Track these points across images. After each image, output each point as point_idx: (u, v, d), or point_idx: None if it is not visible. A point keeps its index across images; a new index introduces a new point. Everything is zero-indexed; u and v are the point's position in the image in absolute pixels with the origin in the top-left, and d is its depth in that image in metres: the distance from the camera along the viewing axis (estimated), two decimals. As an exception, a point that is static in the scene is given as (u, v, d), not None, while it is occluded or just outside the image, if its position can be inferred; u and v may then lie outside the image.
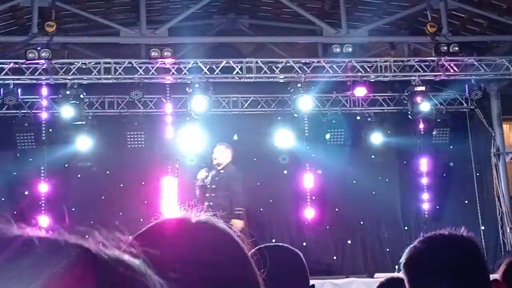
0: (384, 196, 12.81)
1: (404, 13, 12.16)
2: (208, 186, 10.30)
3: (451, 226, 2.17)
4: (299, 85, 11.68)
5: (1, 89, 11.55)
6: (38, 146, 12.04)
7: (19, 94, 11.65)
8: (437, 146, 12.98)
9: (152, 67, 11.46)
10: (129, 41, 11.69)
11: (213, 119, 12.05)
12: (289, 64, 11.75)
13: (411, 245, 2.16)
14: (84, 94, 11.63)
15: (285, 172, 12.89)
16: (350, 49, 11.40)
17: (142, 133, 12.30)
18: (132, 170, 12.26)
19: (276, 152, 12.57)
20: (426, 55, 12.20)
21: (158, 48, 11.17)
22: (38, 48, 10.92)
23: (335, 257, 12.80)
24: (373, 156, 12.86)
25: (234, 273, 1.03)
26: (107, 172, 12.45)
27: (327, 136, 12.73)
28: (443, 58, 11.50)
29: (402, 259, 2.14)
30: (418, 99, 12.10)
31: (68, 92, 11.41)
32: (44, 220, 11.52)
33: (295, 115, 12.16)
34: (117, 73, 11.44)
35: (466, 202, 13.18)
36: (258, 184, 12.55)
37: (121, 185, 12.34)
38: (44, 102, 12.17)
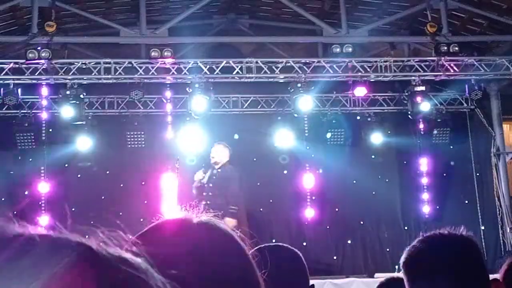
0: (384, 196, 12.81)
1: (404, 13, 12.16)
2: (206, 185, 10.33)
3: (451, 226, 2.17)
4: (299, 85, 11.68)
5: (1, 89, 11.55)
6: (38, 146, 12.04)
7: (19, 94, 11.65)
8: (437, 146, 12.98)
9: (152, 67, 11.46)
10: (129, 41, 11.69)
11: (213, 119, 12.05)
12: (289, 64, 11.75)
13: (411, 245, 2.16)
14: (84, 94, 11.63)
15: (285, 172, 12.89)
16: (350, 49, 11.40)
17: (142, 133, 12.30)
18: (132, 170, 12.26)
19: (276, 152, 12.57)
20: (426, 55, 12.21)
21: (158, 48, 11.17)
22: (38, 48, 10.92)
23: (335, 257, 12.80)
24: (373, 156, 12.86)
25: (235, 274, 1.03)
26: (107, 172, 12.45)
27: (328, 135, 12.73)
28: (443, 58, 11.50)
29: (402, 259, 2.14)
30: (418, 99, 12.10)
31: (68, 92, 11.41)
32: (44, 219, 11.52)
33: (295, 115, 12.16)
34: (117, 73, 11.44)
35: (466, 202, 13.18)
36: (258, 184, 12.56)
37: (121, 185, 12.34)
38: (44, 102, 12.17)
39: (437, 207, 12.83)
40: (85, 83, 11.63)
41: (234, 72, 11.65)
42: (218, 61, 11.61)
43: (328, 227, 12.82)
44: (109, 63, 11.40)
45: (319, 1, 12.69)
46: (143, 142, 12.28)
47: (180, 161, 11.66)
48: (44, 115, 12.21)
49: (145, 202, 11.85)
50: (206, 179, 10.38)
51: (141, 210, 11.09)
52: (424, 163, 12.84)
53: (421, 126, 12.73)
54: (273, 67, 11.70)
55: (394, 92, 13.06)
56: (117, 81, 11.65)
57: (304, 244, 12.09)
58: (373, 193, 12.77)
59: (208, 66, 11.60)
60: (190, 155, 12.11)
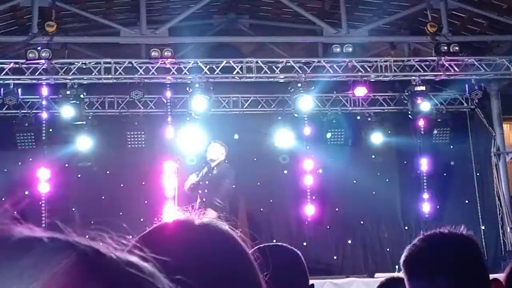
0: (384, 196, 12.81)
1: (404, 13, 12.16)
2: (201, 183, 10.39)
3: (452, 226, 2.17)
4: (299, 85, 11.68)
5: (1, 89, 11.55)
6: (38, 146, 12.04)
7: (19, 94, 11.65)
8: (437, 146, 12.98)
9: (152, 67, 11.46)
10: (129, 41, 11.69)
11: (213, 119, 12.05)
12: (289, 64, 11.75)
13: (411, 244, 2.16)
14: (84, 94, 11.63)
15: (285, 172, 12.89)
16: (350, 49, 11.40)
17: (142, 133, 12.30)
18: (132, 170, 12.26)
19: (276, 152, 12.57)
20: (426, 55, 12.21)
21: (158, 48, 11.17)
22: (38, 48, 10.92)
23: (335, 257, 12.80)
24: (373, 156, 12.86)
25: (237, 276, 1.03)
26: (107, 172, 12.45)
27: (328, 135, 12.73)
28: (443, 58, 11.50)
29: (402, 257, 2.14)
30: (418, 99, 12.10)
31: (68, 92, 11.41)
32: (44, 220, 11.52)
33: (295, 115, 12.16)
34: (117, 73, 11.44)
35: (466, 202, 13.18)
36: (258, 184, 12.56)
37: (121, 185, 12.34)
38: (44, 102, 12.17)
39: (437, 206, 12.83)
40: (85, 83, 11.63)
41: (234, 72, 11.65)
42: (218, 61, 11.61)
43: (328, 227, 12.82)
44: (109, 63, 11.40)
45: (319, 1, 12.69)
46: (143, 142, 12.28)
47: (180, 161, 11.66)
48: (44, 115, 12.20)
49: (145, 202, 11.86)
50: (202, 176, 10.45)
51: (141, 210, 11.10)
52: (424, 163, 12.84)
53: (421, 126, 12.72)
54: (273, 67, 11.70)
55: (394, 92, 13.06)
56: (117, 81, 11.65)
57: (304, 244, 12.09)
58: (373, 193, 12.77)
59: (208, 66, 11.60)
60: (190, 155, 12.11)
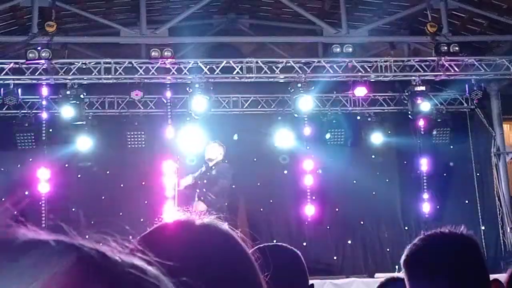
0: (384, 196, 12.81)
1: (404, 13, 12.16)
2: (199, 182, 10.40)
3: (452, 226, 2.17)
4: (299, 85, 11.67)
5: (1, 89, 11.55)
6: (38, 146, 12.04)
7: (19, 94, 11.65)
8: (437, 146, 12.98)
9: (152, 67, 11.46)
10: (129, 41, 11.69)
11: (213, 119, 12.05)
12: (289, 64, 11.75)
13: (412, 243, 2.16)
14: (84, 94, 11.63)
15: (285, 172, 12.89)
16: (350, 49, 11.40)
17: (142, 133, 12.30)
18: (132, 170, 12.26)
19: (276, 152, 12.57)
20: (426, 55, 12.20)
21: (158, 48, 11.17)
22: (38, 48, 10.92)
23: (335, 257, 12.80)
24: (373, 156, 12.86)
25: (237, 276, 1.03)
26: (107, 172, 12.45)
27: (327, 135, 12.73)
28: (443, 58, 11.50)
29: (402, 257, 2.15)
30: (418, 99, 12.10)
31: (68, 92, 11.41)
32: (44, 220, 11.52)
33: (295, 115, 12.16)
34: (117, 73, 11.44)
35: (466, 202, 13.18)
36: (258, 184, 12.56)
37: (121, 185, 12.34)
38: (44, 102, 12.17)
39: (437, 207, 12.83)
40: (85, 83, 11.63)
41: (234, 72, 11.64)
42: (218, 61, 11.61)
43: (328, 227, 12.82)
44: (109, 63, 11.40)
45: (319, 1, 12.69)
46: (143, 142, 12.28)
47: (180, 161, 11.67)
48: (44, 115, 12.20)
49: (145, 202, 11.85)
50: (199, 175, 10.48)
51: (141, 210, 11.10)
52: (424, 163, 12.84)
53: (421, 126, 12.72)
54: (273, 67, 11.70)
55: (394, 92, 13.06)
56: (117, 81, 11.65)
57: (304, 244, 12.09)
58: (373, 193, 12.77)
59: (208, 66, 11.59)
60: (190, 155, 12.11)
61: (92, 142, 12.01)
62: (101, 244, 0.70)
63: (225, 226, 1.10)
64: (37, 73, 11.28)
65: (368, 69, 11.92)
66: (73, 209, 12.04)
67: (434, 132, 12.85)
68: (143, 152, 12.26)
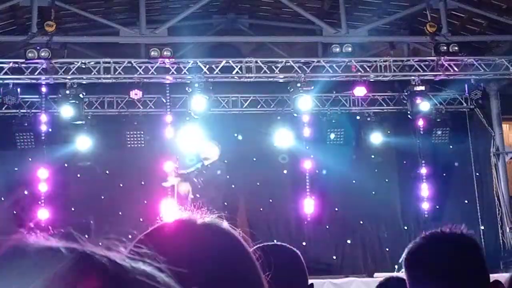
0: (384, 196, 12.81)
1: (404, 13, 12.16)
2: (195, 179, 10.41)
3: (453, 224, 2.17)
4: (298, 84, 11.68)
5: (1, 89, 11.55)
6: (38, 145, 12.04)
7: (19, 94, 11.65)
8: (437, 146, 12.98)
9: (152, 67, 11.46)
10: (128, 41, 11.69)
11: (213, 118, 12.05)
12: (288, 63, 11.75)
13: (412, 243, 2.16)
14: (84, 93, 11.63)
15: (285, 171, 12.89)
16: (350, 49, 11.40)
17: (142, 132, 12.30)
18: (132, 170, 12.26)
19: (275, 152, 12.57)
20: (425, 55, 12.21)
21: (158, 47, 11.17)
22: (38, 48, 10.92)
23: (334, 257, 12.80)
24: (373, 156, 12.86)
25: (238, 275, 1.03)
26: (107, 171, 12.45)
27: (332, 136, 12.74)
28: (442, 58, 11.51)
29: (403, 256, 2.15)
30: (418, 98, 12.11)
31: (67, 92, 11.41)
32: (43, 217, 11.52)
33: (295, 114, 12.16)
34: (116, 73, 11.44)
35: (466, 202, 13.19)
36: (258, 184, 12.57)
37: (121, 185, 12.34)
38: (44, 102, 12.17)
39: (437, 206, 12.83)
40: (84, 82, 11.63)
41: (234, 72, 11.65)
42: (218, 60, 11.61)
43: (327, 226, 12.82)
44: (109, 62, 11.40)
45: (319, 0, 12.69)
46: (142, 142, 12.28)
47: (179, 160, 11.66)
48: (43, 115, 12.19)
49: (145, 202, 11.84)
50: (194, 172, 10.50)
51: (141, 210, 11.09)
52: (424, 163, 12.83)
53: (421, 126, 12.72)
54: (273, 66, 11.70)
55: (393, 92, 13.06)
56: (116, 81, 11.65)
57: (304, 243, 12.08)
58: (373, 193, 12.77)
59: (207, 66, 11.60)
60: (189, 154, 12.10)
61: (92, 142, 12.01)
62: (110, 250, 0.70)
63: (226, 225, 1.10)
64: (36, 73, 11.28)
65: (368, 69, 11.92)
66: (73, 209, 12.04)
67: (434, 132, 12.86)
68: (143, 151, 12.25)
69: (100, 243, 0.71)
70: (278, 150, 12.55)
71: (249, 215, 12.55)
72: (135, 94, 11.51)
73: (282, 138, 12.35)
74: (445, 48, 11.36)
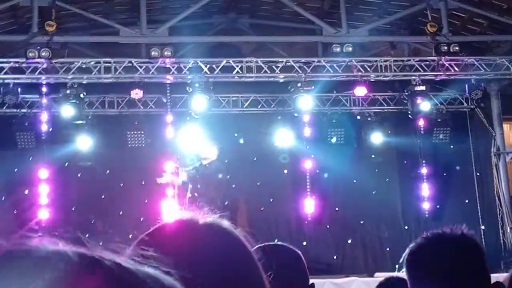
0: (384, 195, 12.81)
1: (404, 13, 12.16)
2: (194, 178, 10.43)
3: (453, 225, 2.17)
4: (299, 84, 11.68)
5: (1, 88, 11.55)
6: (38, 145, 12.04)
7: (19, 93, 11.65)
8: (437, 146, 12.98)
9: (152, 67, 11.46)
10: (129, 41, 11.69)
11: (213, 118, 12.06)
12: (289, 63, 11.75)
13: (413, 243, 2.16)
14: (84, 93, 11.64)
15: (285, 171, 12.89)
16: (350, 49, 11.40)
17: (142, 132, 12.31)
18: (132, 169, 12.26)
19: (276, 152, 12.58)
20: (426, 55, 12.21)
21: (158, 47, 11.17)
22: (38, 48, 10.92)
23: (335, 257, 12.80)
24: (373, 156, 12.87)
25: (240, 275, 1.03)
26: (107, 171, 12.45)
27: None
28: (443, 57, 11.51)
29: (404, 256, 2.15)
30: (418, 98, 12.11)
31: (68, 92, 11.42)
32: (44, 217, 11.52)
33: (295, 114, 12.16)
34: (117, 73, 11.44)
35: (466, 201, 13.18)
36: (258, 183, 12.57)
37: (121, 185, 12.35)
38: (44, 102, 12.17)
39: (437, 206, 12.83)
40: (85, 82, 11.63)
41: (234, 72, 11.65)
42: (218, 60, 11.61)
43: (328, 226, 12.82)
44: (109, 62, 11.40)
45: (319, 0, 12.69)
46: (143, 142, 12.29)
47: (180, 160, 11.66)
48: (44, 115, 12.20)
49: (145, 201, 11.84)
50: (194, 171, 10.51)
51: (141, 210, 11.09)
52: (424, 163, 12.83)
53: (421, 125, 12.72)
54: (273, 66, 11.70)
55: (394, 92, 13.06)
56: (117, 81, 11.65)
57: (304, 243, 12.09)
58: (373, 192, 12.77)
59: (208, 66, 11.59)
60: (189, 154, 12.10)
61: (92, 142, 12.01)
62: (116, 252, 0.70)
63: (228, 225, 1.09)
64: (37, 73, 11.28)
65: (368, 69, 11.92)
66: (73, 209, 12.04)
67: (434, 132, 12.86)
68: (143, 151, 12.26)
69: (101, 243, 0.71)
70: (279, 150, 12.55)
71: (249, 215, 12.55)
72: (136, 94, 11.52)
73: (283, 138, 12.35)
74: (445, 48, 11.35)
